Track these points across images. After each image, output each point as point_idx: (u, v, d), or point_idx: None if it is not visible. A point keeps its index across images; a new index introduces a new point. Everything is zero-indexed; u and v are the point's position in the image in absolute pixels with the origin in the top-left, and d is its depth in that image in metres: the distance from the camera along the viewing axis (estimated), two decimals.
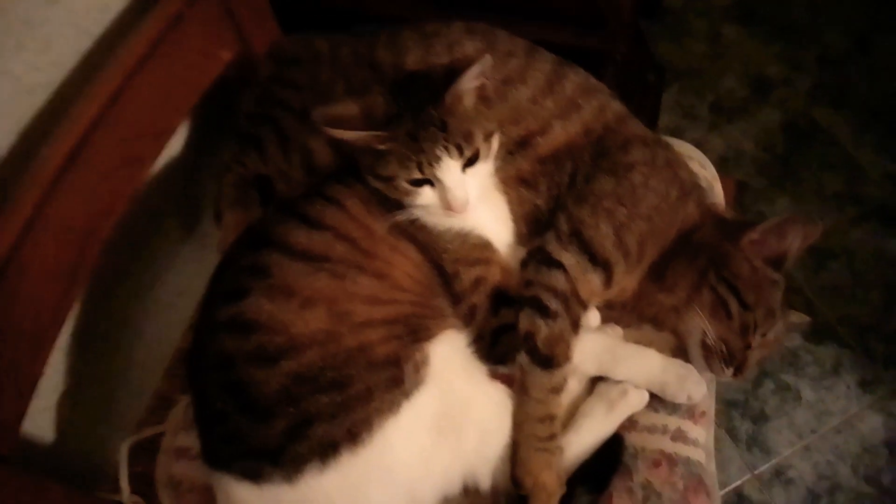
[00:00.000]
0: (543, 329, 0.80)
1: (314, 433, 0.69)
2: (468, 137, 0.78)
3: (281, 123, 0.97)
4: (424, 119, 0.77)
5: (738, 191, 1.88)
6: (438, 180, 0.78)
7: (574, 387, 0.84)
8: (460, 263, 0.83)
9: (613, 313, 0.90)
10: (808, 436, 1.52)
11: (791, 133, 1.93)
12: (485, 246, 0.85)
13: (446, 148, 0.76)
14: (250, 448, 0.70)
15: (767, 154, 1.90)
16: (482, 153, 0.80)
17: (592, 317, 0.88)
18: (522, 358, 0.80)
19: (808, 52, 2.09)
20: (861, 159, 1.86)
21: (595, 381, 0.86)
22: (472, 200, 0.80)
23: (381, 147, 0.78)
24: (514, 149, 0.90)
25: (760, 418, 1.55)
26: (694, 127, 1.99)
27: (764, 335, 0.84)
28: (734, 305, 0.82)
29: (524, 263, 0.85)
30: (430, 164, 0.76)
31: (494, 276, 0.84)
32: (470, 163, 0.79)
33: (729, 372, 0.83)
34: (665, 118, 2.03)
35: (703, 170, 1.04)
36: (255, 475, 0.70)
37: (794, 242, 0.84)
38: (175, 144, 1.11)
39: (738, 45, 2.10)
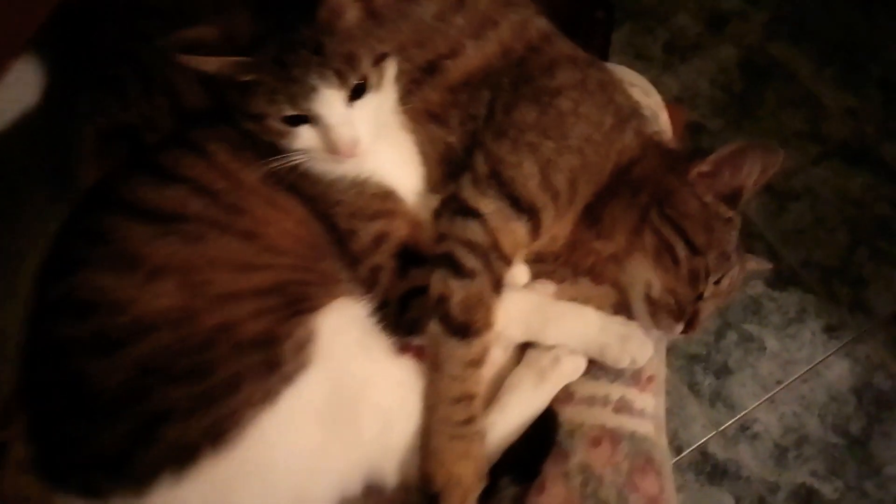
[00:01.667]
0: (458, 291, 0.66)
1: (166, 435, 0.55)
2: (351, 61, 0.63)
3: (142, 60, 0.80)
4: (294, 40, 0.62)
5: (693, 132, 1.79)
6: (317, 117, 0.63)
7: (498, 357, 0.71)
8: (357, 218, 0.69)
9: (545, 267, 0.77)
10: (773, 387, 1.47)
11: (748, 70, 1.85)
12: (387, 195, 0.71)
13: (322, 75, 0.61)
14: (89, 457, 0.56)
15: (724, 93, 1.82)
16: (372, 81, 0.65)
17: (519, 273, 0.75)
18: (434, 327, 0.67)
19: None
20: (821, 95, 1.81)
21: (524, 349, 0.73)
22: (366, 140, 0.65)
23: (245, 77, 0.63)
24: (419, 77, 0.75)
25: (724, 372, 1.50)
26: (647, 67, 1.89)
27: (717, 283, 0.72)
28: (681, 249, 0.70)
29: (437, 214, 0.72)
30: (305, 97, 0.62)
31: (400, 230, 0.70)
32: (357, 93, 0.65)
33: (678, 328, 0.71)
34: (616, 59, 1.91)
35: (647, 98, 0.91)
36: (95, 490, 0.56)
37: (752, 174, 0.72)
38: (29, 92, 0.93)
39: None
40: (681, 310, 0.71)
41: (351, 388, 0.62)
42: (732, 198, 0.73)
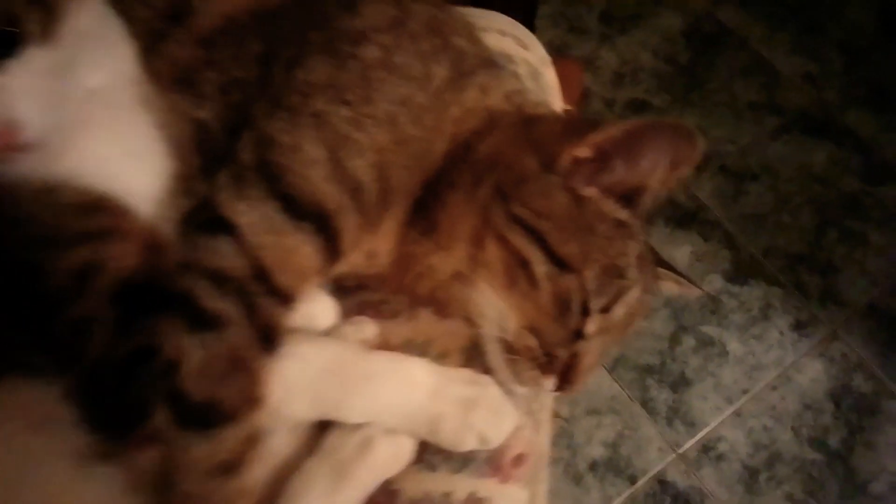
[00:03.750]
0: (194, 352, 0.42)
1: None
2: None
3: None
4: None
5: (637, 111, 1.67)
6: None
7: (281, 446, 0.46)
8: (46, 245, 0.45)
9: (371, 296, 0.53)
10: (738, 398, 1.32)
11: (695, 39, 1.73)
12: (97, 206, 0.47)
13: None
14: None
15: (669, 66, 1.71)
16: (31, 27, 0.42)
17: (320, 310, 0.50)
18: (161, 414, 0.42)
19: None
20: (776, 62, 1.69)
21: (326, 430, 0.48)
22: (34, 121, 0.42)
23: None
24: (161, 26, 0.52)
25: (681, 384, 1.35)
26: (582, 41, 1.76)
27: (606, 311, 0.47)
28: (540, 265, 0.46)
29: (182, 231, 0.47)
30: None
31: (122, 258, 0.46)
32: (6, 48, 0.40)
33: (549, 382, 0.47)
34: (546, 34, 1.78)
35: (526, 51, 0.67)
36: None
37: (656, 169, 0.48)
38: None
39: None
40: (549, 356, 0.47)
41: None
42: (628, 197, 0.49)
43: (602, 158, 0.48)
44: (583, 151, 0.48)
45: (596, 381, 1.36)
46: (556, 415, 1.12)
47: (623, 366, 1.35)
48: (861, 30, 1.73)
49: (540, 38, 1.71)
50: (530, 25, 1.66)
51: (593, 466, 1.26)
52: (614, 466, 1.26)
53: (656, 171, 0.48)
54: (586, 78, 1.73)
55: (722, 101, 1.63)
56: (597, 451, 1.27)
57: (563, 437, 1.30)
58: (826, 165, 1.55)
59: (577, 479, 1.25)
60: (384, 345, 0.51)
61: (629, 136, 0.47)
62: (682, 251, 1.44)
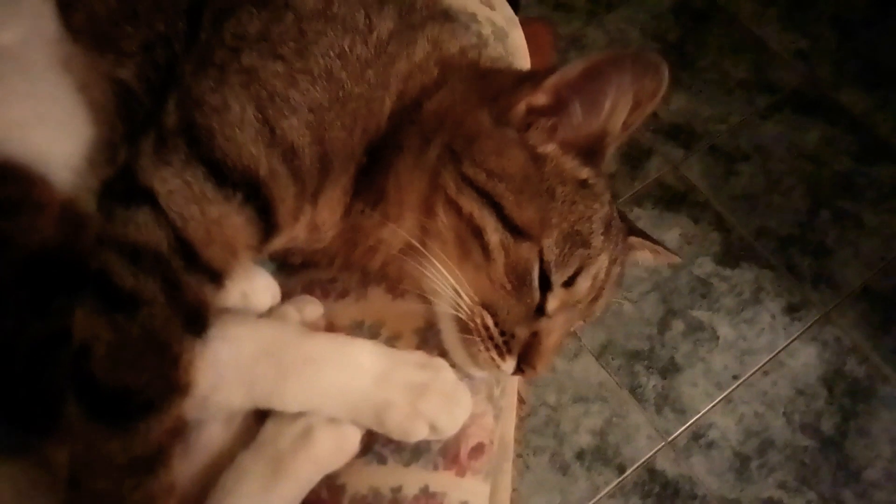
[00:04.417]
0: (105, 336, 0.38)
1: None
2: None
3: None
4: None
5: None
6: None
7: (215, 438, 0.42)
8: None
9: (320, 275, 0.48)
10: (729, 384, 1.30)
11: (684, 15, 1.70)
12: (3, 173, 0.42)
13: None
14: None
15: (658, 43, 1.69)
16: None
17: (260, 288, 0.46)
18: (73, 405, 0.38)
19: None
20: (767, 38, 1.69)
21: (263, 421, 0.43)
22: None
23: None
24: None
25: (670, 370, 1.32)
26: (569, 19, 1.73)
27: (569, 284, 0.43)
28: (493, 231, 0.42)
29: (99, 205, 0.43)
30: None
31: (35, 233, 0.43)
32: None
33: (508, 364, 0.43)
34: (532, 12, 1.73)
35: (491, 10, 0.63)
36: None
37: (618, 109, 0.44)
38: None
39: None
40: (507, 335, 0.42)
41: None
42: (591, 150, 0.44)
43: (560, 105, 0.44)
44: (538, 98, 0.43)
45: (583, 367, 1.33)
46: (523, 402, 1.08)
47: (611, 352, 1.33)
48: (853, 5, 1.69)
49: (526, 15, 1.67)
50: (515, 3, 1.63)
51: (580, 455, 1.23)
52: (602, 455, 1.23)
53: (618, 111, 0.43)
54: (573, 56, 1.70)
55: (712, 80, 1.60)
56: (584, 440, 1.24)
57: (550, 425, 1.27)
58: (818, 145, 1.52)
59: (564, 469, 1.23)
60: (331, 326, 0.47)
61: (587, 74, 0.43)
62: (671, 234, 1.41)
